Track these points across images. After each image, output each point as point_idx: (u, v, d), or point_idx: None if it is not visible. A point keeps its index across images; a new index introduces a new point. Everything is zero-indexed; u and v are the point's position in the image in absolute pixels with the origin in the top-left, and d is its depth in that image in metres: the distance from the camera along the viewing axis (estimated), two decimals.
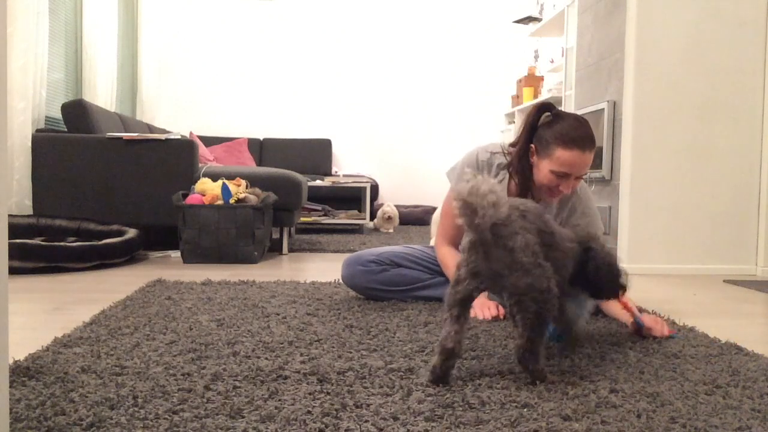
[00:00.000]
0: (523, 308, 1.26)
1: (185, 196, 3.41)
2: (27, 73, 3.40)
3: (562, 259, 1.41)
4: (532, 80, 6.01)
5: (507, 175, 2.01)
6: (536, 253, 1.28)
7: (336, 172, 6.77)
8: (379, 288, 2.19)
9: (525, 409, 1.16)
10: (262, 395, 1.20)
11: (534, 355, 1.27)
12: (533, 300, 1.25)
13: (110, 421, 1.06)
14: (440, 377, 1.28)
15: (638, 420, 1.12)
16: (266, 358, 1.45)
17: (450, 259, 2.05)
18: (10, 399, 1.08)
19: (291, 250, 3.95)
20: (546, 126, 1.85)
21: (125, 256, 3.18)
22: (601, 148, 3.50)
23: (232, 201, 3.33)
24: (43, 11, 3.58)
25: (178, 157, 3.58)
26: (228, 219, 3.29)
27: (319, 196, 5.74)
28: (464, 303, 1.32)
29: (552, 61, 5.60)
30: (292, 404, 1.16)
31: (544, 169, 1.85)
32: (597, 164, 3.55)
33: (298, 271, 3.11)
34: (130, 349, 1.51)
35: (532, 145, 1.89)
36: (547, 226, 1.40)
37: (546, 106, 1.88)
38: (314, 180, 5.62)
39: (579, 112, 3.86)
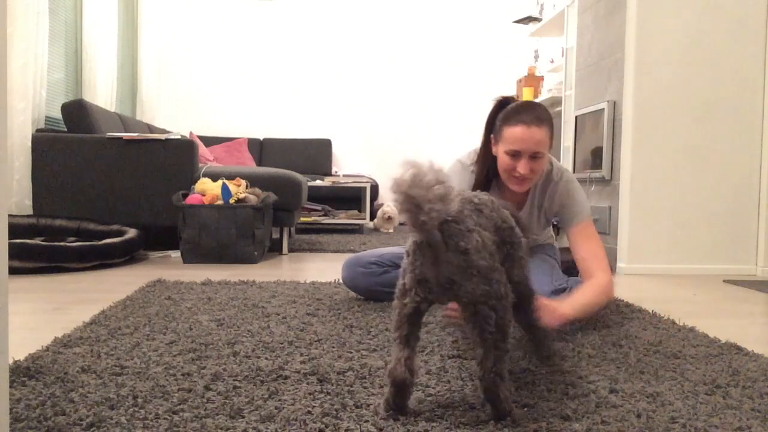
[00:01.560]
0: (483, 320, 1.06)
1: (185, 196, 3.41)
2: (27, 73, 3.40)
3: (522, 258, 1.28)
4: (532, 80, 6.00)
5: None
6: (493, 255, 1.10)
7: (336, 172, 6.76)
8: (381, 290, 2.19)
9: (525, 409, 1.16)
10: (262, 395, 1.20)
11: (502, 379, 1.07)
12: (493, 309, 1.07)
13: (110, 421, 1.06)
14: (396, 410, 1.11)
15: (638, 420, 1.12)
16: (266, 358, 1.45)
17: None
18: (10, 399, 1.08)
19: (291, 250, 3.95)
20: (500, 115, 1.88)
21: (125, 256, 3.18)
22: (601, 148, 3.50)
23: (232, 201, 3.33)
24: (43, 11, 3.58)
25: (178, 157, 3.58)
26: (228, 219, 3.29)
27: (319, 196, 5.74)
28: (413, 319, 1.12)
29: (552, 61, 5.60)
30: (292, 404, 1.16)
31: (500, 154, 1.86)
32: (597, 164, 3.55)
33: (298, 271, 3.11)
34: (130, 349, 1.51)
35: (492, 136, 1.92)
36: (506, 221, 1.25)
37: (505, 100, 1.90)
38: (314, 180, 5.62)
39: (579, 112, 3.86)
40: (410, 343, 1.12)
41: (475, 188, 1.97)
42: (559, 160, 4.66)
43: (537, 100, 5.65)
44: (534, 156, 1.81)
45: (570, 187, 2.00)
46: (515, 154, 1.81)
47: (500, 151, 1.86)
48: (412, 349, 1.11)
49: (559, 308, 1.68)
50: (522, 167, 1.81)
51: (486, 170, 1.97)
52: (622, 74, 3.33)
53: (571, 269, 2.42)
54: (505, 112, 1.84)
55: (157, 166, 3.55)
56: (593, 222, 2.03)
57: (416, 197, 0.96)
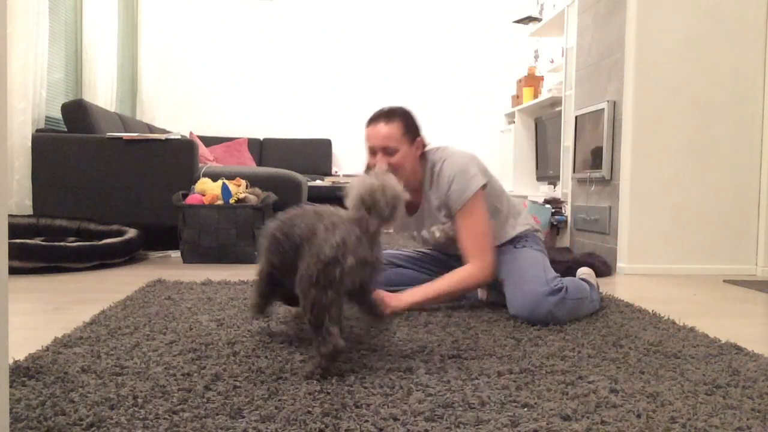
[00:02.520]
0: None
1: (185, 196, 3.41)
2: (27, 73, 3.40)
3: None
4: (532, 80, 6.00)
5: None
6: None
7: (336, 172, 6.76)
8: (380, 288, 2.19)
9: (525, 409, 1.16)
10: (262, 395, 1.20)
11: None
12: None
13: (110, 421, 1.06)
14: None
15: (638, 420, 1.12)
16: (266, 358, 1.45)
17: None
18: (10, 399, 1.08)
19: None
20: None
21: (125, 256, 3.18)
22: (601, 148, 3.50)
23: (232, 201, 3.33)
24: (43, 11, 3.58)
25: (178, 157, 3.58)
26: (228, 219, 3.29)
27: (319, 196, 5.74)
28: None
29: (552, 61, 5.60)
30: (292, 404, 1.16)
31: (367, 155, 2.04)
32: (597, 164, 3.55)
33: None
34: (130, 349, 1.51)
35: None
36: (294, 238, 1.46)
37: None
38: (314, 180, 5.62)
39: (579, 112, 3.86)
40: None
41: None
42: (558, 159, 4.66)
43: (537, 100, 5.65)
44: (386, 151, 1.96)
45: (446, 172, 2.01)
46: (372, 152, 2.00)
47: (368, 155, 2.04)
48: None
49: (392, 300, 1.90)
50: (378, 161, 1.97)
51: None
52: (622, 74, 3.33)
53: (572, 269, 2.41)
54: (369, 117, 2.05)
55: (157, 166, 3.55)
56: (478, 200, 2.00)
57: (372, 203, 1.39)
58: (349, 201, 1.41)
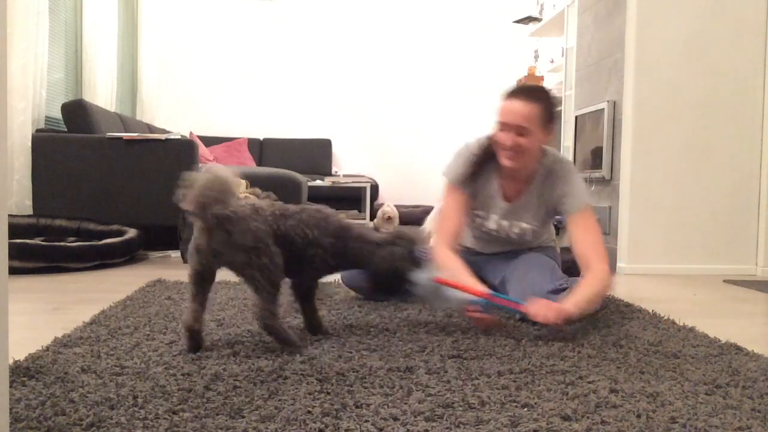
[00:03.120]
0: (249, 280, 1.50)
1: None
2: (27, 73, 3.40)
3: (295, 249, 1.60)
4: (532, 80, 6.00)
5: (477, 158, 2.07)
6: (261, 240, 1.49)
7: (336, 172, 6.76)
8: None
9: (525, 409, 1.16)
10: (262, 395, 1.20)
11: (274, 315, 1.49)
12: (258, 271, 1.48)
13: (110, 421, 1.06)
14: (190, 350, 1.51)
15: (638, 420, 1.12)
16: (266, 358, 1.45)
17: (450, 263, 1.98)
18: (10, 399, 1.08)
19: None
20: None
21: (125, 256, 3.18)
22: (601, 148, 3.50)
23: None
24: (43, 11, 3.58)
25: (178, 157, 3.58)
26: None
27: (319, 196, 5.73)
28: (197, 280, 1.54)
29: (552, 61, 5.60)
30: (292, 404, 1.16)
31: (496, 131, 1.95)
32: (597, 164, 3.55)
33: None
34: (130, 349, 1.51)
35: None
36: (281, 227, 1.58)
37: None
38: (314, 180, 5.62)
39: (579, 112, 3.86)
40: (198, 300, 1.54)
41: (472, 168, 2.05)
42: None
43: None
44: (519, 131, 1.87)
45: (570, 176, 2.02)
46: (503, 127, 1.90)
47: (495, 127, 1.95)
48: (200, 305, 1.54)
49: (562, 306, 1.69)
50: (506, 138, 1.89)
51: (485, 148, 2.03)
52: (622, 74, 3.33)
53: (571, 269, 2.42)
54: (506, 90, 1.96)
55: (157, 166, 3.55)
56: (593, 213, 2.03)
57: (204, 198, 1.44)
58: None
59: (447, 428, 1.07)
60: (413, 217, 6.42)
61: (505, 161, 1.94)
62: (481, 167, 2.03)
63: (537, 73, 6.09)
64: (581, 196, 2.00)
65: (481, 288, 1.79)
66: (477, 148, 2.06)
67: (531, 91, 1.91)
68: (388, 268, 1.66)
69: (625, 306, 2.23)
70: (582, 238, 1.94)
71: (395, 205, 5.94)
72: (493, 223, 2.11)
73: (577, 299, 1.75)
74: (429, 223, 3.01)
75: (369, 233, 1.73)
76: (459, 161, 2.08)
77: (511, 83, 6.61)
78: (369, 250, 1.68)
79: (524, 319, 1.77)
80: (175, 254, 3.58)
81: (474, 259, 2.17)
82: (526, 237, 2.12)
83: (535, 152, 1.95)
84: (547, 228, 2.21)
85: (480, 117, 6.93)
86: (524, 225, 2.09)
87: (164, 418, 1.08)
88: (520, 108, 1.86)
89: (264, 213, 1.57)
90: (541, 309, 1.69)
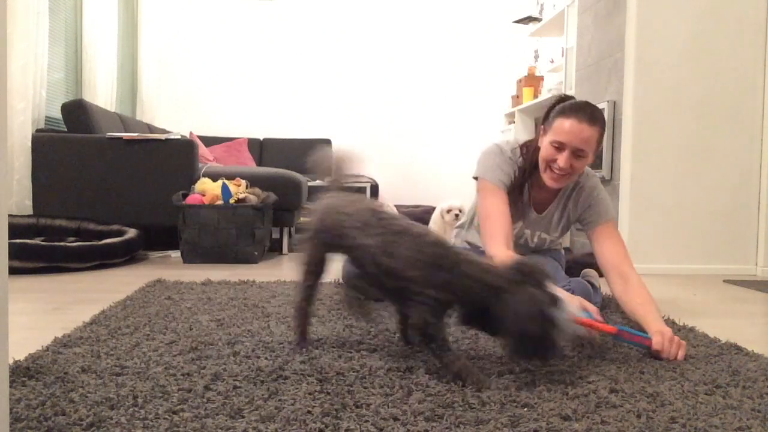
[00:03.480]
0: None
1: (185, 196, 3.41)
2: (27, 73, 3.40)
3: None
4: (532, 80, 6.00)
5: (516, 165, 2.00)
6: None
7: None
8: None
9: (525, 409, 1.16)
10: (262, 395, 1.20)
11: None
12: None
13: (110, 421, 1.06)
14: (302, 342, 1.55)
15: (638, 420, 1.12)
16: (266, 358, 1.45)
17: None
18: (10, 399, 1.08)
19: (291, 250, 3.95)
20: (557, 108, 1.89)
21: (125, 256, 3.18)
22: (601, 148, 3.50)
23: (232, 201, 3.33)
24: (43, 11, 3.58)
25: (178, 157, 3.58)
26: (228, 219, 3.29)
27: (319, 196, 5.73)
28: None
29: (552, 61, 5.60)
30: (292, 404, 1.16)
31: (545, 145, 1.87)
32: (597, 164, 3.55)
33: None
34: (130, 349, 1.51)
35: (542, 126, 1.93)
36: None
37: (565, 97, 1.94)
38: (314, 180, 5.61)
39: None
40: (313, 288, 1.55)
41: (514, 172, 1.98)
42: None
43: (537, 100, 5.65)
44: (577, 153, 1.81)
45: (596, 189, 2.01)
46: (560, 146, 1.82)
47: (546, 141, 1.86)
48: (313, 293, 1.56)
49: (673, 335, 1.59)
50: (562, 160, 1.82)
51: (530, 163, 1.96)
52: (622, 74, 3.33)
53: (572, 269, 2.42)
54: (562, 105, 1.87)
55: (157, 166, 3.55)
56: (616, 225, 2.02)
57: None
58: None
59: (447, 428, 1.07)
60: (413, 217, 6.42)
61: (551, 181, 1.89)
62: (521, 178, 1.99)
63: (537, 73, 6.09)
64: (608, 208, 2.00)
65: (611, 324, 1.65)
66: (515, 154, 2.00)
67: (594, 112, 1.82)
68: (532, 326, 1.23)
69: None
70: (613, 249, 1.92)
71: (395, 205, 5.94)
72: (517, 229, 2.10)
73: (659, 319, 1.70)
74: (433, 222, 3.00)
75: (482, 264, 1.33)
76: (496, 162, 1.99)
77: (511, 83, 6.62)
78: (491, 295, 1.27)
79: (651, 354, 1.58)
80: (175, 254, 3.58)
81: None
82: (543, 246, 2.14)
83: (578, 175, 1.94)
84: (563, 235, 2.22)
85: (480, 117, 6.93)
86: (545, 236, 2.11)
87: (164, 418, 1.08)
88: (586, 132, 1.79)
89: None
90: (666, 345, 1.56)
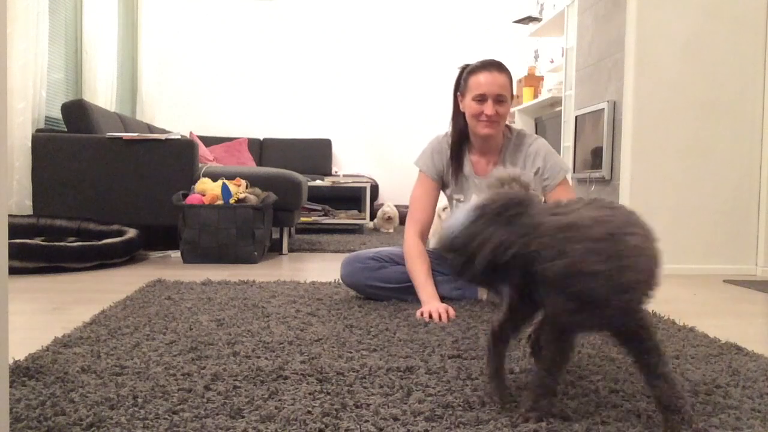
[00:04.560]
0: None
1: (185, 196, 3.41)
2: (27, 73, 3.40)
3: None
4: (532, 80, 6.00)
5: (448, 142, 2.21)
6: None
7: (336, 172, 6.76)
8: (378, 285, 2.20)
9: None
10: (262, 395, 1.20)
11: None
12: None
13: (110, 421, 1.06)
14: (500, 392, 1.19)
15: (638, 420, 1.12)
16: (266, 358, 1.45)
17: (416, 258, 2.13)
18: (10, 399, 1.08)
19: (291, 250, 3.95)
20: (464, 73, 2.14)
21: (125, 256, 3.18)
22: (601, 148, 3.50)
23: (232, 201, 3.33)
24: (43, 11, 3.58)
25: (178, 157, 3.58)
26: (228, 219, 3.29)
27: (319, 196, 5.74)
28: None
29: (552, 61, 5.60)
30: (292, 404, 1.16)
31: (467, 103, 2.09)
32: (597, 164, 3.55)
33: (298, 271, 3.11)
34: (130, 349, 1.51)
35: (458, 94, 2.15)
36: None
37: (467, 65, 2.15)
38: (314, 180, 5.62)
39: (579, 112, 3.86)
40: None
41: (450, 153, 2.19)
42: None
43: (537, 100, 5.65)
44: (498, 99, 2.03)
45: (548, 147, 2.17)
46: (482, 98, 2.04)
47: (467, 101, 2.08)
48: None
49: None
50: (488, 108, 2.03)
51: (458, 132, 2.18)
52: (622, 74, 3.33)
53: None
54: (470, 66, 2.11)
55: (157, 166, 3.55)
56: (569, 182, 2.16)
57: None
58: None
59: (447, 428, 1.07)
60: None
61: (484, 130, 2.07)
62: (456, 151, 2.18)
63: (537, 73, 6.09)
64: (558, 164, 2.15)
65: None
66: (448, 135, 2.21)
67: (500, 64, 2.07)
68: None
69: None
70: None
71: (395, 205, 5.94)
72: (473, 202, 2.14)
73: None
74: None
75: None
76: (429, 150, 2.24)
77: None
78: None
79: None
80: (175, 254, 3.59)
81: None
82: None
83: (505, 121, 2.13)
84: None
85: None
86: None
87: (164, 418, 1.08)
88: (499, 79, 2.03)
89: None
90: None
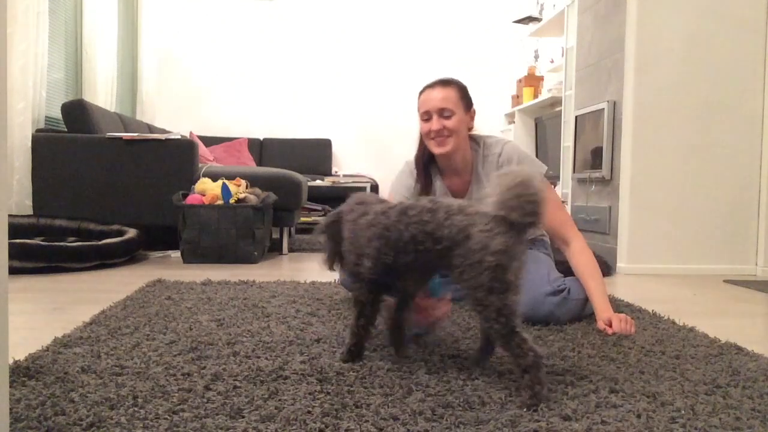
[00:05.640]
0: None
1: (185, 196, 3.41)
2: (27, 73, 3.40)
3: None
4: (532, 80, 6.00)
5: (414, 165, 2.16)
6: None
7: (336, 172, 6.76)
8: None
9: (525, 409, 1.16)
10: (262, 395, 1.20)
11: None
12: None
13: (110, 421, 1.06)
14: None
15: (638, 420, 1.12)
16: (266, 358, 1.45)
17: None
18: (10, 399, 1.08)
19: (291, 250, 3.95)
20: None
21: (125, 256, 3.18)
22: (601, 148, 3.50)
23: (232, 201, 3.33)
24: (43, 11, 3.58)
25: (178, 157, 3.58)
26: (228, 219, 3.29)
27: (319, 196, 5.74)
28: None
29: (552, 61, 5.60)
30: (292, 404, 1.16)
31: (420, 127, 2.05)
32: (597, 164, 3.55)
33: (298, 271, 3.11)
34: (130, 349, 1.51)
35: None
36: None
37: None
38: (314, 180, 5.62)
39: (579, 112, 3.86)
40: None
41: (418, 181, 2.13)
42: (559, 159, 4.67)
43: (537, 100, 5.66)
44: (442, 113, 1.97)
45: (518, 150, 2.11)
46: (427, 116, 2.00)
47: (420, 123, 2.03)
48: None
49: (612, 315, 1.83)
50: (433, 124, 1.97)
51: (422, 153, 2.11)
52: (622, 74, 3.33)
53: (568, 271, 2.41)
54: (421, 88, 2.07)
55: (157, 166, 3.55)
56: (549, 184, 2.05)
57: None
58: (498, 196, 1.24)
59: (447, 428, 1.07)
60: None
61: (437, 149, 2.01)
62: (425, 175, 2.12)
63: (537, 73, 6.09)
64: (538, 165, 2.09)
65: None
66: (414, 158, 2.16)
67: (445, 79, 2.03)
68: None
69: (625, 306, 2.23)
70: (553, 215, 1.96)
71: None
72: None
73: (604, 298, 1.89)
74: None
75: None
76: (400, 177, 2.18)
77: (511, 83, 6.62)
78: None
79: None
80: (175, 254, 3.58)
81: None
82: None
83: (463, 134, 2.03)
84: None
85: (480, 117, 6.92)
86: None
87: (164, 418, 1.08)
88: (438, 93, 1.98)
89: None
90: (618, 327, 1.80)
